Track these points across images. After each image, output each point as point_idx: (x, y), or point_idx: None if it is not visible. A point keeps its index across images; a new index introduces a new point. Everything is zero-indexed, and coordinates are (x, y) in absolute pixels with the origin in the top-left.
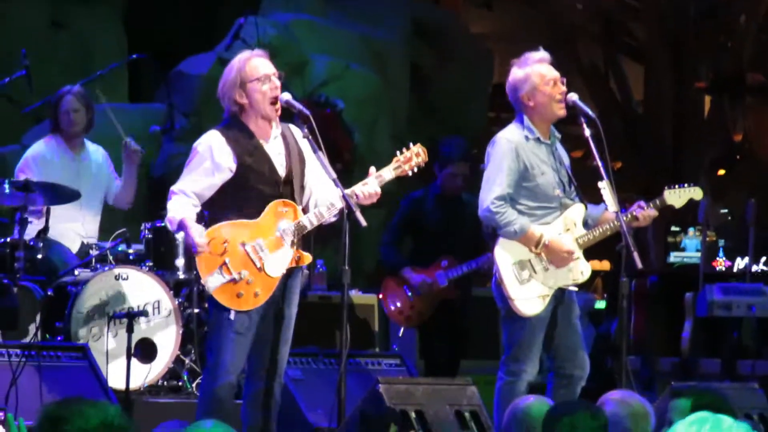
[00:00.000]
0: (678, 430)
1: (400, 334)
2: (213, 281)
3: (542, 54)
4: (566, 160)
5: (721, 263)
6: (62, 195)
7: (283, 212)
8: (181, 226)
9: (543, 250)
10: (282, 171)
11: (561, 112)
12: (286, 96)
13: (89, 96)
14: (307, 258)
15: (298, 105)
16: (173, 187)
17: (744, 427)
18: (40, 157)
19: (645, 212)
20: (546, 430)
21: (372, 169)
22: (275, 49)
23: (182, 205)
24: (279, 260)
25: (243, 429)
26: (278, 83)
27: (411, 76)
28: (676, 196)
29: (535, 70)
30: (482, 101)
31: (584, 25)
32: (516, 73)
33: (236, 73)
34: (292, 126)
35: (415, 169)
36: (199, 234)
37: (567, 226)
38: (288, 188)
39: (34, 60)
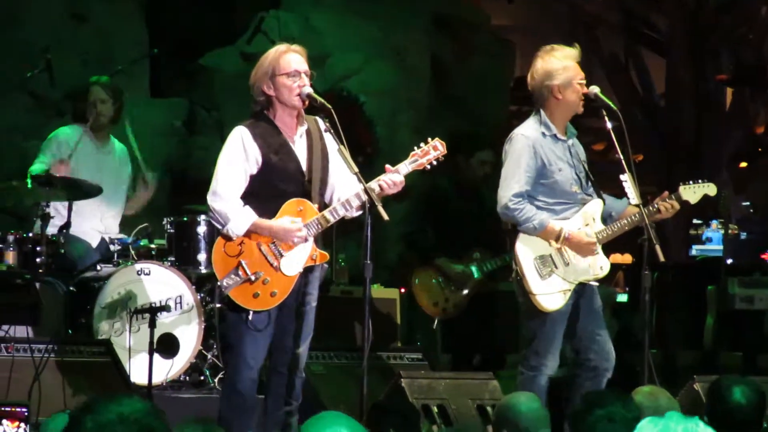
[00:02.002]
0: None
1: (435, 326)
2: (229, 282)
3: (576, 51)
4: (583, 156)
5: None
6: (84, 190)
7: (298, 211)
8: (258, 227)
9: (564, 243)
10: (305, 168)
11: (580, 109)
12: (308, 89)
13: (115, 84)
14: (324, 256)
15: (319, 99)
16: (216, 190)
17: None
18: (63, 141)
19: (667, 204)
20: (577, 422)
21: (387, 166)
22: (296, 43)
23: (238, 210)
24: (295, 259)
25: (265, 423)
26: (307, 82)
27: (432, 68)
28: (691, 192)
29: (571, 65)
30: (503, 94)
31: (605, 17)
32: (552, 62)
33: (268, 65)
34: (318, 119)
35: (434, 163)
36: (289, 222)
37: (586, 221)
38: (309, 185)
39: (54, 53)
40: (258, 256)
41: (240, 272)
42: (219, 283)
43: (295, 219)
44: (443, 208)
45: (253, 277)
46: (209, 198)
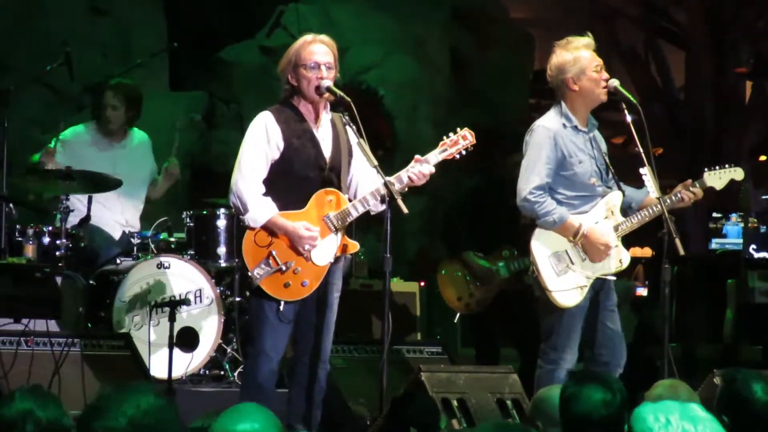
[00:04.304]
0: (645, 414)
1: (456, 320)
2: (260, 272)
3: (589, 39)
4: (604, 148)
5: None
6: (103, 183)
7: (329, 201)
8: (274, 224)
9: (581, 241)
10: (328, 157)
11: (603, 97)
12: (327, 83)
13: (133, 90)
14: (354, 246)
15: (338, 92)
16: (239, 177)
17: (711, 417)
18: (75, 141)
19: (690, 192)
20: (563, 405)
21: (417, 156)
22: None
23: (259, 200)
24: (326, 249)
25: (288, 415)
26: (326, 74)
27: (451, 61)
28: (717, 178)
29: (583, 54)
30: (523, 87)
31: (624, 10)
32: (563, 55)
33: (293, 54)
34: (344, 117)
35: (463, 152)
36: (304, 227)
37: (605, 214)
38: (332, 174)
39: (74, 47)
40: (288, 246)
41: (271, 262)
42: (250, 273)
43: (313, 228)
44: (477, 204)
45: (284, 267)
46: (232, 184)
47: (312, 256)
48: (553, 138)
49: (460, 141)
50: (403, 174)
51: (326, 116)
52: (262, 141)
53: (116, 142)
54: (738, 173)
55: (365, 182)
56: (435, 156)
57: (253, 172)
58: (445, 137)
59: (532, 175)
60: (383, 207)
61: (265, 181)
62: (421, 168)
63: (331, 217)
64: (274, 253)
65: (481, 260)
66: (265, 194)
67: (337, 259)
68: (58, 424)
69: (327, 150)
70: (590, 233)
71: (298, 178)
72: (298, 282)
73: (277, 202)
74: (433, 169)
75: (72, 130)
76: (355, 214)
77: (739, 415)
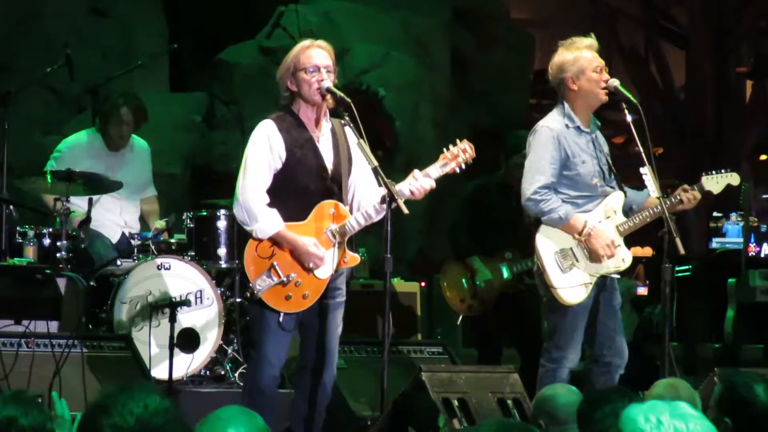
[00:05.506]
0: (635, 416)
1: (458, 322)
2: (261, 284)
3: (591, 40)
4: (606, 148)
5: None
6: (103, 185)
7: (330, 213)
8: (283, 237)
9: (586, 238)
10: (329, 166)
11: (603, 97)
12: (326, 84)
13: (141, 102)
14: (355, 259)
15: (339, 92)
16: (244, 187)
17: (701, 415)
18: (71, 154)
19: (689, 194)
20: (584, 419)
21: (416, 171)
22: (316, 37)
23: (267, 212)
24: (327, 262)
25: (290, 418)
26: (326, 76)
27: (452, 61)
28: (714, 182)
29: (584, 55)
30: (523, 87)
31: (625, 9)
32: (564, 55)
33: (291, 60)
34: (342, 121)
35: (463, 166)
36: (313, 244)
37: (607, 214)
38: (334, 184)
39: (74, 48)
40: (290, 258)
41: (272, 274)
42: (251, 285)
43: (321, 246)
44: (478, 205)
45: (285, 279)
46: (238, 195)
47: (314, 269)
48: (556, 138)
49: (460, 154)
50: (405, 187)
51: (326, 124)
52: (265, 150)
53: (115, 150)
54: (734, 178)
55: (364, 191)
56: (436, 170)
57: (259, 183)
58: (445, 150)
59: (537, 174)
60: (383, 210)
61: (267, 191)
62: (423, 183)
63: (332, 229)
64: (276, 264)
65: (486, 264)
66: (268, 204)
67: (338, 270)
68: (42, 431)
69: (328, 159)
70: (595, 231)
71: (299, 187)
72: (299, 294)
73: (279, 210)
74: (434, 184)
75: (67, 142)
76: (356, 227)
77: (741, 418)
